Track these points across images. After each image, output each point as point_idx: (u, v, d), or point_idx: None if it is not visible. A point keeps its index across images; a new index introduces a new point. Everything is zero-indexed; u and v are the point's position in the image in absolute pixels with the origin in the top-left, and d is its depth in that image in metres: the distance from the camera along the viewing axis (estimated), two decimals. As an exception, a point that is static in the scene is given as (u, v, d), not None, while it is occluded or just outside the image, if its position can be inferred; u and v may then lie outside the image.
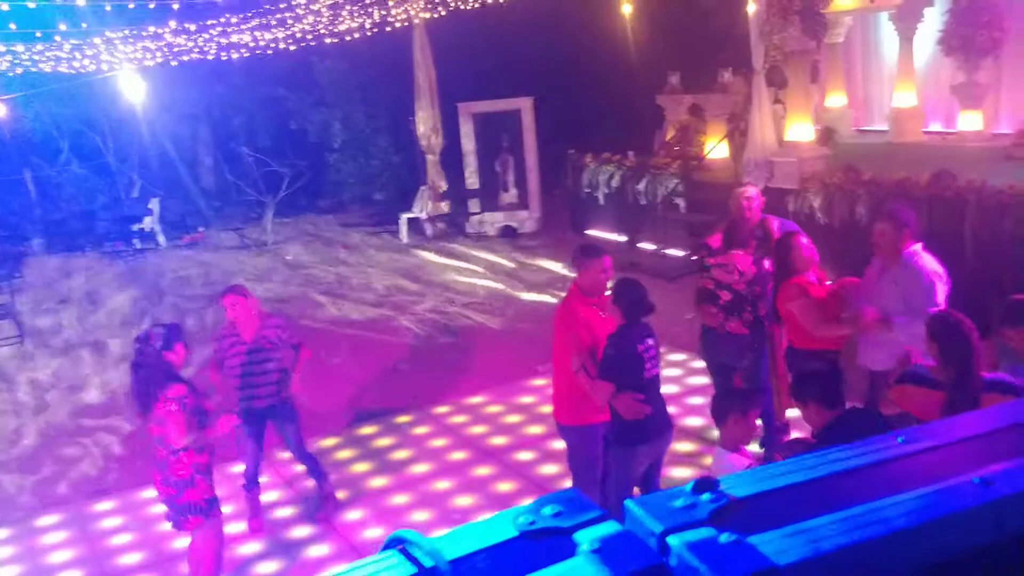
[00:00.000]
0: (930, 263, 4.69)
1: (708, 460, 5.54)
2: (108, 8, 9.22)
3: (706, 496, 0.73)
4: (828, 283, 5.42)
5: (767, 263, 5.57)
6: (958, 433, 0.84)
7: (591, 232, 13.54)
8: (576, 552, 0.72)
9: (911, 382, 3.85)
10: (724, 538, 0.68)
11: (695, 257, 8.63)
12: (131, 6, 9.08)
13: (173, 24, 9.57)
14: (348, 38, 13.15)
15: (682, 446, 6.24)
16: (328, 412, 7.50)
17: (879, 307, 4.74)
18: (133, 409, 4.98)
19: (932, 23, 11.67)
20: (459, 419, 7.40)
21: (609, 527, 0.74)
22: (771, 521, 0.70)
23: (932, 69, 12.35)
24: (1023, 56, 11.16)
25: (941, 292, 4.60)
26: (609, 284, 4.83)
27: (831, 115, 12.90)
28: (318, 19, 11.50)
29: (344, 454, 6.91)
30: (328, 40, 13.17)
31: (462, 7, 13.09)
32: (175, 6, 8.78)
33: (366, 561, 0.80)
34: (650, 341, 4.56)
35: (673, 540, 0.70)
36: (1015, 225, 7.54)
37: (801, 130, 10.46)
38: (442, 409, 7.60)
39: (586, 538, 0.73)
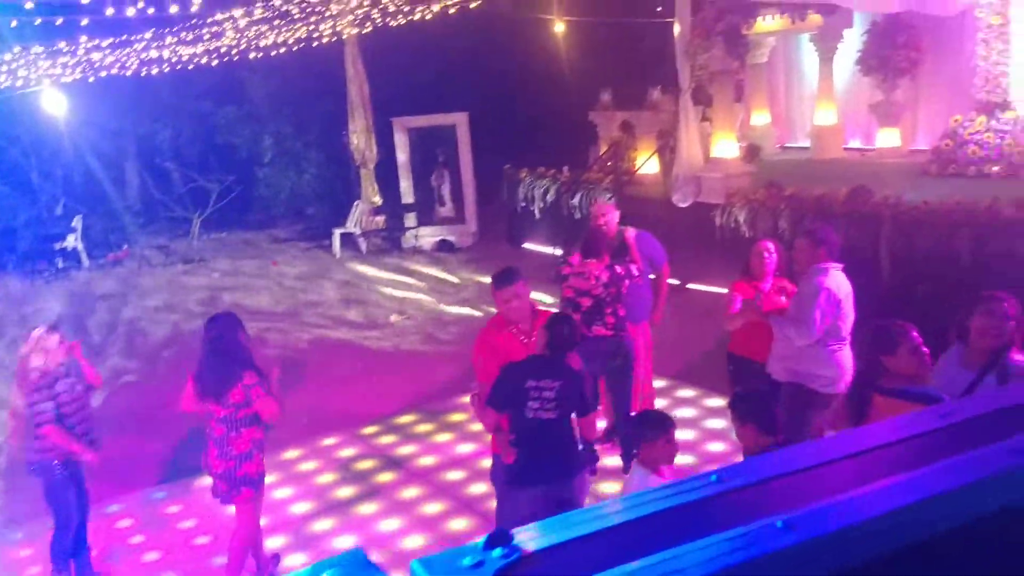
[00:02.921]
0: (833, 282, 4.70)
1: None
2: (14, 24, 8.94)
3: (497, 552, 0.71)
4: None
5: (620, 268, 5.87)
6: (766, 471, 0.84)
7: (527, 245, 13.61)
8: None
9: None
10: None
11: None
12: (38, 22, 8.82)
13: (85, 40, 9.31)
14: (274, 53, 12.99)
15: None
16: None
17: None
18: (198, 392, 4.89)
19: (851, 44, 12.05)
20: (387, 439, 7.30)
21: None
22: (560, 576, 0.68)
23: (852, 88, 12.74)
24: (939, 75, 11.58)
25: (820, 313, 4.62)
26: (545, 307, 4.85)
27: (756, 132, 13.21)
28: (240, 35, 11.33)
29: (268, 479, 6.74)
30: (253, 55, 12.99)
31: (391, 23, 13.06)
32: (84, 22, 8.56)
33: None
34: (549, 383, 4.18)
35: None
36: (929, 240, 7.79)
37: (726, 147, 10.68)
38: (370, 429, 7.49)
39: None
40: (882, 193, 8.58)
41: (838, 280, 4.76)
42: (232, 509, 5.12)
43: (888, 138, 11.80)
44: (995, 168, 9.63)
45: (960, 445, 0.92)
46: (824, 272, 4.73)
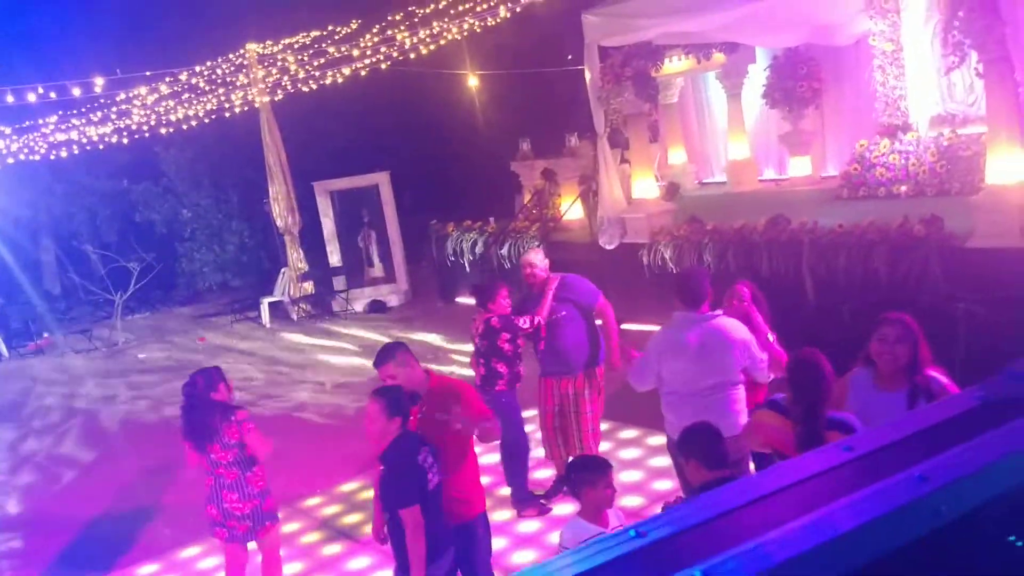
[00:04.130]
0: (663, 332, 4.80)
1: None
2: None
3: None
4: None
5: (496, 321, 5.96)
6: (684, 521, 0.80)
7: (460, 299, 13.55)
8: None
9: (769, 408, 3.92)
10: None
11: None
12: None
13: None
14: (185, 126, 12.84)
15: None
16: (187, 515, 7.00)
17: None
18: (193, 446, 5.14)
19: (758, 78, 12.49)
20: (331, 510, 7.07)
21: None
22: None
23: (761, 121, 13.17)
24: (842, 103, 12.07)
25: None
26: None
27: (674, 171, 13.53)
28: (149, 111, 11.18)
29: (207, 563, 6.44)
30: (164, 130, 12.81)
31: (304, 89, 13.06)
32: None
33: None
34: (426, 449, 4.11)
35: None
36: (847, 261, 8.01)
37: (647, 187, 10.88)
38: (313, 501, 7.25)
39: None
40: (799, 220, 8.81)
41: (675, 327, 4.75)
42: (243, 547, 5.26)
43: (800, 167, 12.20)
44: (903, 188, 10.01)
45: (868, 478, 0.91)
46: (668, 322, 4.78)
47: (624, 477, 6.40)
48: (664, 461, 6.54)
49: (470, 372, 6.77)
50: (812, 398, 3.61)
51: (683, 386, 4.66)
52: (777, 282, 8.17)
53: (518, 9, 11.85)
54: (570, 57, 13.44)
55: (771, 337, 5.04)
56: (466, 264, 13.47)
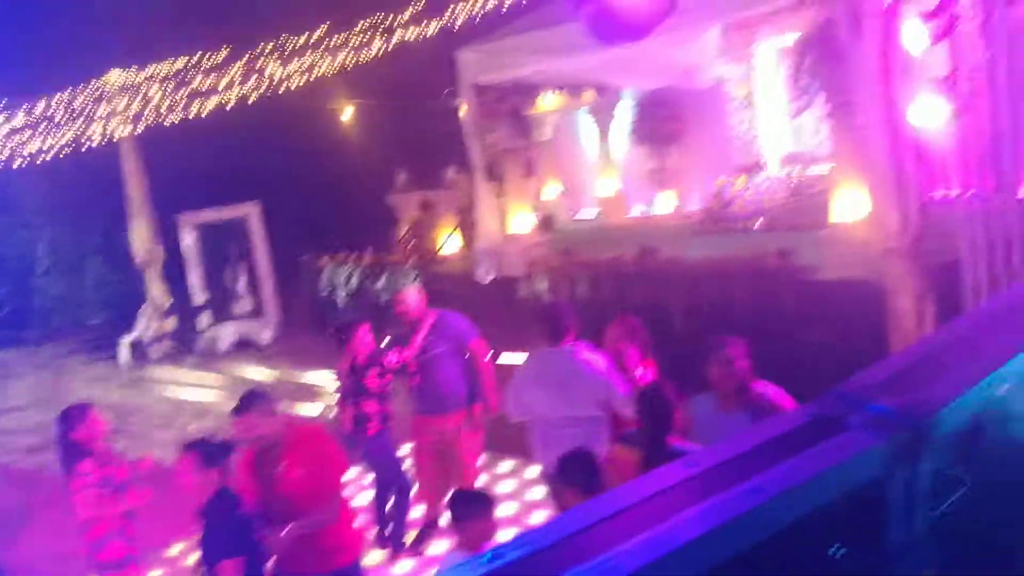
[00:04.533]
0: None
1: None
2: None
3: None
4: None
5: (362, 359, 5.98)
6: (538, 541, 0.83)
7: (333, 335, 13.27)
8: None
9: (622, 442, 4.03)
10: None
11: None
12: None
13: None
14: (39, 160, 12.16)
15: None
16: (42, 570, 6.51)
17: None
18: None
19: (626, 116, 13.01)
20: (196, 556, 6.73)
21: None
22: None
23: (630, 157, 13.70)
24: (703, 142, 12.71)
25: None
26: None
27: (549, 205, 13.85)
28: (1, 143, 10.53)
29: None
30: (18, 162, 12.09)
31: (167, 121, 12.62)
32: None
33: None
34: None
35: None
36: (710, 291, 8.40)
37: (522, 220, 11.08)
38: (175, 550, 6.89)
39: None
40: (666, 252, 9.18)
41: (538, 360, 4.90)
42: None
43: (666, 202, 12.75)
44: (758, 222, 10.61)
45: (708, 491, 0.98)
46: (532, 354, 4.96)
47: (501, 511, 6.41)
48: (540, 492, 6.60)
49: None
50: (657, 429, 3.74)
51: (545, 418, 4.73)
52: (647, 312, 8.45)
53: (389, 48, 11.90)
54: (448, 91, 13.59)
55: (639, 372, 5.12)
56: (340, 298, 13.24)
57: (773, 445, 1.20)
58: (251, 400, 4.35)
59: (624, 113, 13.08)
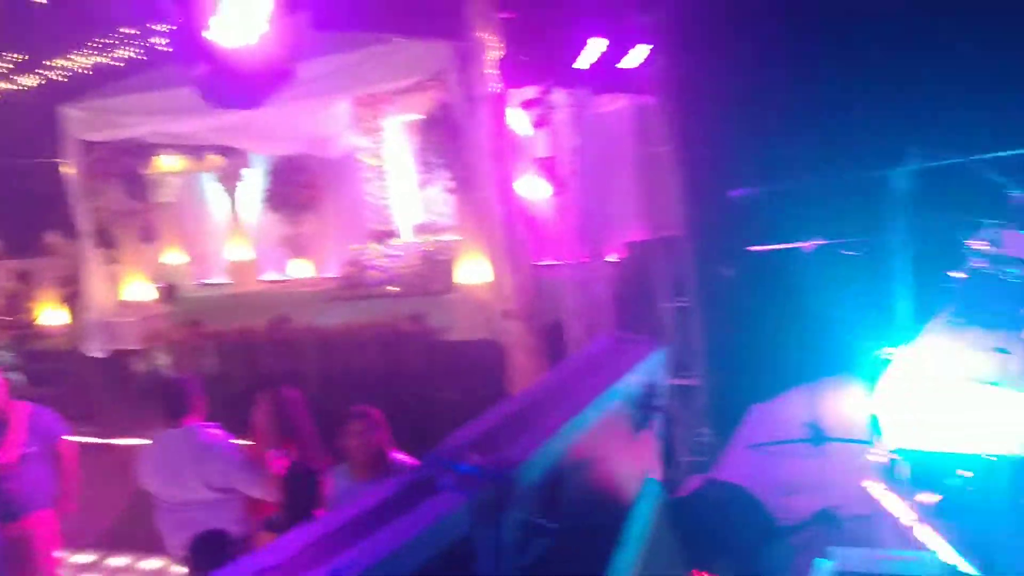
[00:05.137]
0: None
1: None
2: None
3: None
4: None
5: None
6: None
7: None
8: None
9: (266, 528, 3.84)
10: None
11: None
12: None
13: None
14: None
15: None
16: None
17: None
18: None
19: (258, 181, 12.70)
20: None
21: None
22: None
23: (263, 223, 13.34)
24: (338, 209, 12.79)
25: None
26: None
27: (172, 271, 12.94)
28: None
29: None
30: None
31: None
32: None
33: None
34: None
35: None
36: (346, 357, 8.43)
37: (139, 289, 10.22)
38: None
39: None
40: (301, 320, 9.05)
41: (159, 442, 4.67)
42: None
43: (301, 268, 12.61)
44: (394, 288, 10.92)
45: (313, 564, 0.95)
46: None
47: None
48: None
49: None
50: (302, 509, 3.64)
51: (169, 502, 4.43)
52: (281, 382, 8.21)
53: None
54: (52, 149, 12.18)
55: (277, 453, 4.86)
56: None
57: (377, 513, 1.20)
58: None
59: (255, 178, 12.77)
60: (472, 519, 1.22)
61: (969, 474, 3.92)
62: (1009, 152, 2.52)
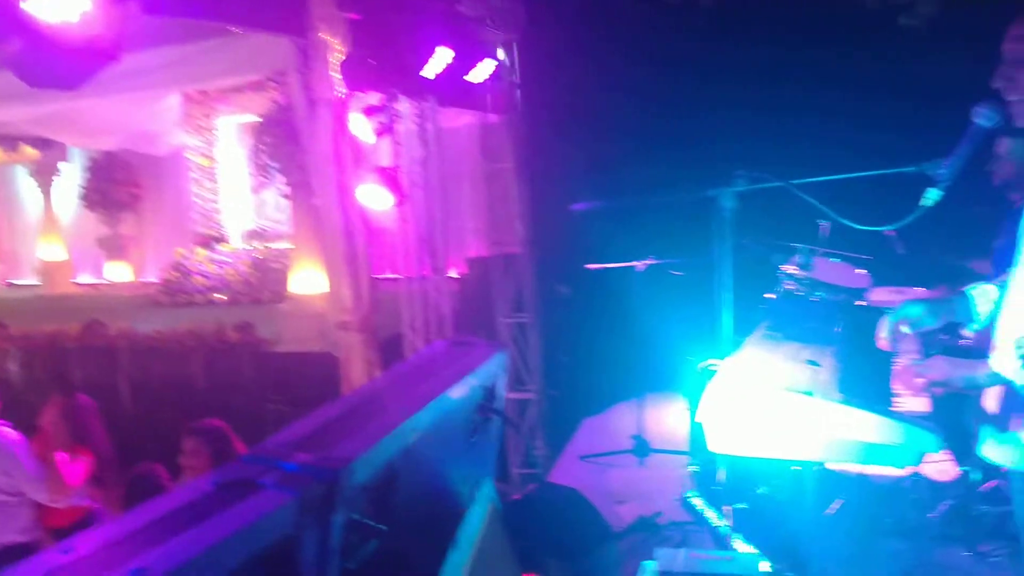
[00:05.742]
0: None
1: None
2: None
3: None
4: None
5: None
6: None
7: None
8: None
9: None
10: None
11: None
12: None
13: None
14: None
15: None
16: None
17: None
18: None
19: (74, 177, 11.81)
20: None
21: None
22: None
23: (79, 222, 12.43)
24: (162, 210, 12.12)
25: None
26: None
27: (-27, 270, 11.81)
28: None
29: None
30: None
31: None
32: None
33: None
34: None
35: None
36: (165, 367, 7.94)
37: (-70, 287, 9.22)
38: None
39: None
40: (117, 326, 8.48)
41: None
42: None
43: (118, 271, 11.83)
44: (221, 296, 10.43)
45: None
46: None
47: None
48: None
49: None
50: None
51: None
52: (93, 390, 7.64)
53: None
54: None
55: (68, 458, 4.50)
56: None
57: (191, 510, 1.10)
58: None
59: (72, 173, 11.88)
60: (297, 518, 1.14)
61: (779, 482, 4.19)
62: (825, 178, 2.71)
